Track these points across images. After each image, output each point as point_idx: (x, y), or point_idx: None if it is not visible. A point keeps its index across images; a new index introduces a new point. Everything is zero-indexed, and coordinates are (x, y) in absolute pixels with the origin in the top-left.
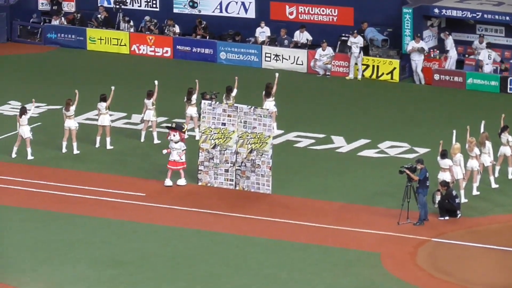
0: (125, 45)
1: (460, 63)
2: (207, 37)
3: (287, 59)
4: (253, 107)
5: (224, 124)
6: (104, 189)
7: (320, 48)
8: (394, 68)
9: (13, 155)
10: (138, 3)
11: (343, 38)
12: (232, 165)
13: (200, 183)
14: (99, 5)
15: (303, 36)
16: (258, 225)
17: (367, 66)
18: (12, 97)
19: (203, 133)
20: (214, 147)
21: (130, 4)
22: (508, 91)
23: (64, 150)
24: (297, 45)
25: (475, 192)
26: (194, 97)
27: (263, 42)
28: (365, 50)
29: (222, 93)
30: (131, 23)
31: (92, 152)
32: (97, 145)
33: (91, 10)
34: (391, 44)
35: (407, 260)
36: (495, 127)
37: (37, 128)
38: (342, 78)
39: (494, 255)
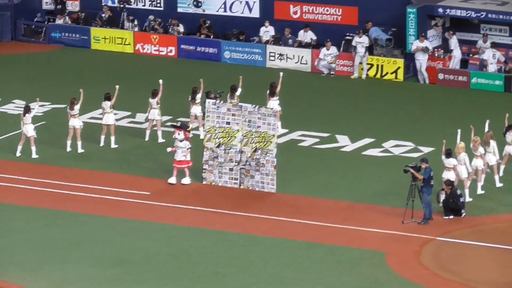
0: (129, 44)
1: (464, 63)
2: (211, 36)
3: (291, 59)
4: (257, 106)
5: (228, 123)
6: (108, 188)
7: (324, 48)
8: (398, 68)
9: (18, 154)
10: (142, 2)
11: (347, 37)
12: (236, 164)
13: (204, 182)
14: (103, 4)
15: (307, 36)
16: (263, 224)
17: (371, 65)
18: (17, 96)
19: (208, 132)
20: (218, 146)
21: (134, 3)
22: None
23: (68, 149)
24: (301, 45)
25: (479, 191)
26: (198, 96)
27: (267, 42)
28: (369, 49)
29: (226, 92)
30: (135, 22)
31: (97, 151)
32: (102, 144)
33: (95, 9)
34: (395, 43)
35: (411, 259)
36: (500, 127)
37: (42, 127)
38: (346, 78)
39: (498, 254)
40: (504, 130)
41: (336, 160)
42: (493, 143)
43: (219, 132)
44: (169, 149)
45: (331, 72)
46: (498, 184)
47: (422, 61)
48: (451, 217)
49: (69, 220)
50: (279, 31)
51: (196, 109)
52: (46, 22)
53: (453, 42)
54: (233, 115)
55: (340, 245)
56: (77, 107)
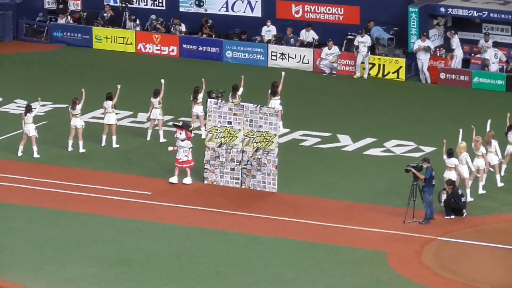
0: (131, 43)
1: (466, 62)
2: (213, 35)
3: (293, 58)
4: (259, 105)
5: (230, 122)
6: (109, 188)
7: (326, 47)
8: (400, 67)
9: (19, 154)
10: (144, 1)
11: (349, 37)
12: (238, 163)
13: (206, 182)
14: (105, 3)
15: (309, 35)
16: (264, 224)
17: (373, 65)
18: (18, 96)
19: (209, 131)
20: (220, 146)
21: (136, 2)
22: None
23: (70, 148)
24: (303, 44)
25: (481, 191)
26: (200, 96)
27: (269, 41)
28: (371, 49)
29: (228, 91)
30: (137, 21)
31: (98, 150)
32: (103, 143)
33: (97, 8)
34: (397, 43)
35: (413, 259)
36: (501, 126)
37: (43, 126)
38: (348, 77)
39: (500, 254)
40: (506, 130)
41: (337, 160)
42: (494, 142)
43: (221, 132)
44: (170, 148)
45: (333, 72)
46: (500, 184)
47: (424, 60)
48: (453, 216)
49: (70, 220)
50: (281, 31)
51: (197, 109)
52: (48, 22)
53: (455, 41)
54: (234, 114)
55: (342, 245)
56: (79, 107)
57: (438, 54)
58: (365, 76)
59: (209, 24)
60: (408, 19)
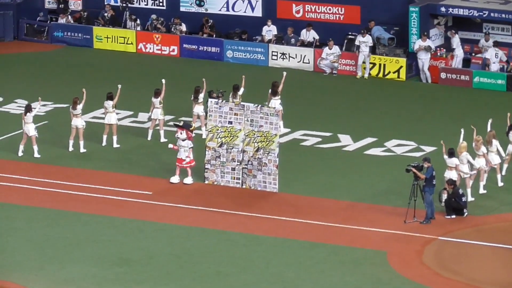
0: (131, 43)
1: (466, 62)
2: (214, 35)
3: (293, 58)
4: (259, 105)
5: (230, 122)
6: (110, 188)
7: (327, 47)
8: (401, 67)
9: (20, 154)
10: (144, 1)
11: (349, 36)
12: (238, 163)
13: (206, 182)
14: (105, 3)
15: (309, 35)
16: (265, 224)
17: (374, 64)
18: (19, 96)
19: (210, 131)
20: (220, 146)
21: (136, 2)
22: None
23: (70, 148)
24: (303, 44)
25: (481, 190)
26: (201, 96)
27: (269, 41)
28: (372, 48)
29: (228, 91)
30: (138, 21)
31: (99, 150)
32: (104, 143)
33: (97, 8)
34: (397, 42)
35: (413, 259)
36: (502, 126)
37: (44, 126)
38: (349, 77)
39: (500, 254)
40: (507, 129)
41: (338, 159)
42: (495, 142)
43: (221, 132)
44: (170, 146)
45: (334, 72)
46: (500, 184)
47: (424, 60)
48: (453, 216)
49: (71, 220)
50: (282, 30)
51: (198, 109)
52: (48, 21)
53: (455, 41)
54: (235, 114)
55: (342, 244)
56: (79, 107)
57: (438, 53)
58: (366, 76)
59: (209, 24)
60: (408, 18)
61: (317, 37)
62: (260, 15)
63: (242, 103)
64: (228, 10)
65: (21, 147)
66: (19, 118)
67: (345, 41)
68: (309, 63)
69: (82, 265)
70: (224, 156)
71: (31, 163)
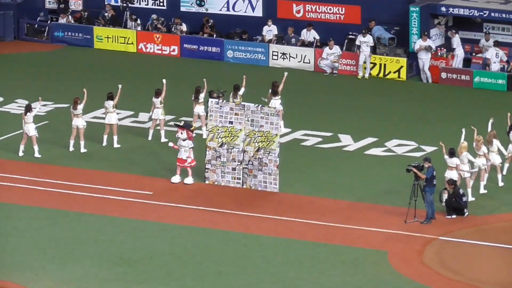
0: (132, 43)
1: (467, 62)
2: (214, 35)
3: (294, 58)
4: (260, 105)
5: (231, 122)
6: (111, 188)
7: (327, 47)
8: (401, 67)
9: (20, 154)
10: (145, 1)
11: (350, 36)
12: (239, 163)
13: (207, 182)
14: (106, 3)
15: (310, 35)
16: (265, 224)
17: (374, 64)
18: (19, 96)
19: (210, 131)
20: (221, 146)
21: (137, 2)
22: None
23: (71, 148)
24: (304, 44)
25: (482, 190)
26: (201, 96)
27: (270, 41)
28: (372, 48)
29: (229, 91)
30: (138, 21)
31: (99, 150)
32: (104, 143)
33: (98, 8)
34: (398, 42)
35: (414, 258)
36: (503, 126)
37: (44, 126)
38: (349, 77)
39: (501, 253)
40: (508, 129)
41: (338, 159)
42: (496, 142)
43: (222, 132)
44: (170, 144)
45: (334, 71)
46: (501, 183)
47: (425, 60)
48: (454, 216)
49: (71, 219)
50: (282, 30)
51: (199, 109)
52: (49, 21)
53: (456, 41)
54: (236, 114)
55: (343, 244)
56: (80, 107)
57: (439, 53)
58: (366, 75)
59: (210, 24)
60: (409, 18)
61: (317, 37)
62: (261, 15)
63: (242, 103)
64: (228, 10)
65: (22, 147)
66: (19, 118)
67: (346, 41)
68: (309, 63)
69: (83, 265)
70: (225, 156)
71: (32, 163)
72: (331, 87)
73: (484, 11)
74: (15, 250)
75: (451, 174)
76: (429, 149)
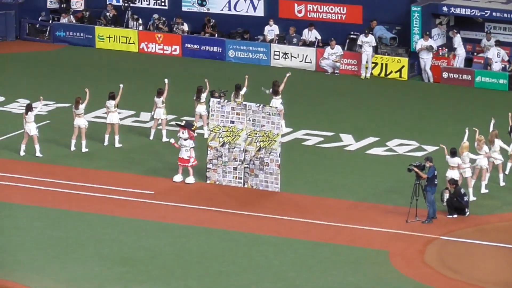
0: (133, 43)
1: (468, 61)
2: (216, 35)
3: (295, 57)
4: (261, 105)
5: (232, 122)
6: (112, 187)
7: (329, 47)
8: (403, 66)
9: (21, 153)
10: (147, 1)
11: (351, 36)
12: (240, 163)
13: (208, 181)
14: (107, 3)
15: (311, 34)
16: (267, 223)
17: (376, 64)
18: (21, 95)
19: (212, 131)
20: (222, 145)
21: (138, 2)
22: None
23: (73, 148)
24: (305, 43)
25: (483, 190)
26: (203, 95)
27: (271, 40)
28: (374, 48)
29: (230, 91)
30: (140, 21)
31: (101, 150)
32: (106, 143)
33: (99, 8)
34: (399, 42)
35: (415, 258)
36: (504, 125)
37: (46, 126)
38: (351, 76)
39: (502, 253)
40: (509, 129)
41: (340, 159)
42: (498, 141)
43: (223, 131)
44: (172, 141)
45: (336, 71)
46: (502, 183)
47: (426, 59)
48: (455, 216)
49: (73, 219)
50: (284, 30)
51: (201, 108)
52: (50, 21)
53: (457, 40)
54: (237, 114)
55: (344, 244)
56: (82, 107)
57: (440, 53)
58: (368, 75)
59: (211, 24)
60: (410, 18)
61: (319, 36)
62: (262, 14)
63: (244, 102)
64: (230, 9)
65: (23, 147)
66: (20, 118)
67: (347, 40)
68: (311, 62)
69: (85, 264)
70: (226, 156)
71: (33, 162)
72: (332, 87)
73: (486, 11)
74: (17, 249)
75: (453, 174)
76: (430, 148)
